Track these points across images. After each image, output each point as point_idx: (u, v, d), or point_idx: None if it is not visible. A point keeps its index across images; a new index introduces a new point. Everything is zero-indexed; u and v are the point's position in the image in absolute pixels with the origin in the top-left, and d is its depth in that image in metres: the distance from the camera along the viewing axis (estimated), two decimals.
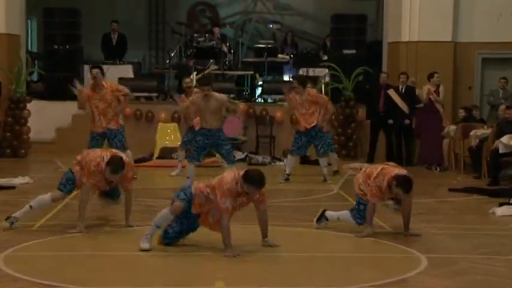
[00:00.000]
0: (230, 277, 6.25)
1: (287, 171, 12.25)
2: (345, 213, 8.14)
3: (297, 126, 12.29)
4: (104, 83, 11.18)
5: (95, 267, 6.56)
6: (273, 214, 9.08)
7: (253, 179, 6.91)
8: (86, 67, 16.52)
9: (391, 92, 14.64)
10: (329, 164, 12.52)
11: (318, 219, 8.30)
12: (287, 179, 12.15)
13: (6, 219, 7.95)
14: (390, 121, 14.71)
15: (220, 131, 10.97)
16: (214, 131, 10.86)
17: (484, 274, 6.39)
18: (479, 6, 16.15)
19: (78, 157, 8.07)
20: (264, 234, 7.29)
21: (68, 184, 8.02)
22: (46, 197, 8.06)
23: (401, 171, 7.81)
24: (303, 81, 12.22)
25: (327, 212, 8.33)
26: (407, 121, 14.59)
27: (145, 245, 7.04)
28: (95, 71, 11.13)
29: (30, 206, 8.04)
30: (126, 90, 11.43)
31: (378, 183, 7.67)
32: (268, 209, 9.57)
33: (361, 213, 7.92)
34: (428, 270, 6.50)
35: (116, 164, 7.68)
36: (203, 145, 10.97)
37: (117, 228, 8.15)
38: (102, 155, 7.89)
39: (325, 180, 12.14)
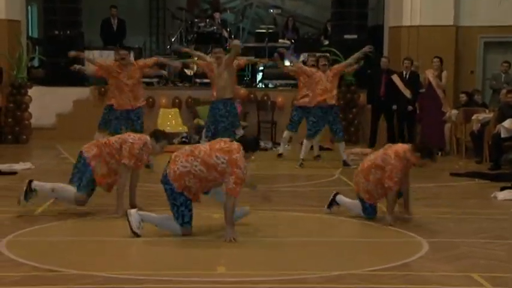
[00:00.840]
0: (231, 262, 6.26)
1: (301, 157, 12.22)
2: (356, 205, 8.06)
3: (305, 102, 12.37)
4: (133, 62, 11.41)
5: (96, 253, 6.58)
6: (273, 199, 9.11)
7: (255, 145, 7.16)
8: (87, 53, 16.48)
9: (395, 78, 14.60)
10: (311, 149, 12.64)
11: (330, 205, 8.24)
12: (301, 165, 12.12)
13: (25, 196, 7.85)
14: (394, 107, 14.67)
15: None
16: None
17: (485, 258, 6.40)
18: None
19: (95, 150, 7.96)
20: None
21: (89, 186, 7.97)
22: (71, 195, 7.93)
23: (405, 145, 7.81)
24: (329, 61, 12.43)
25: (338, 196, 8.25)
26: (410, 107, 14.55)
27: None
28: (124, 52, 11.20)
29: (53, 190, 7.96)
30: (151, 60, 11.74)
31: (394, 168, 7.57)
32: (270, 194, 9.62)
33: (369, 210, 7.90)
34: (430, 254, 6.51)
35: (162, 132, 8.19)
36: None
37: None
38: (140, 137, 8.01)
39: (347, 165, 12.05)
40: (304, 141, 12.31)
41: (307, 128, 12.37)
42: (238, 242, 6.79)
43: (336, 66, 12.56)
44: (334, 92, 12.14)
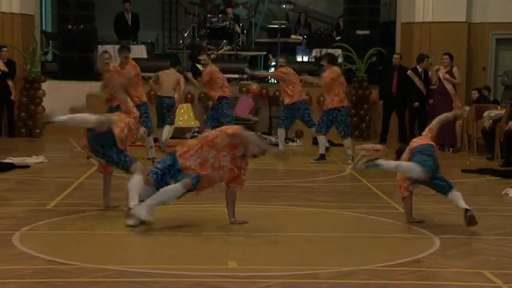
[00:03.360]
0: (243, 257, 6.24)
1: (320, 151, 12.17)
2: (410, 165, 7.31)
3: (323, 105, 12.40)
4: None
5: (108, 246, 6.58)
6: (284, 194, 9.11)
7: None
8: (100, 47, 16.50)
9: (411, 73, 14.54)
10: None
11: (368, 162, 7.50)
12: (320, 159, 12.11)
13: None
14: (416, 104, 14.49)
15: None
16: None
17: (497, 255, 6.36)
18: None
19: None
20: None
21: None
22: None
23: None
24: (332, 60, 12.20)
25: (379, 160, 7.49)
26: (416, 104, 14.45)
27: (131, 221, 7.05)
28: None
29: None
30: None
31: None
32: (281, 189, 9.62)
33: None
34: (442, 250, 6.48)
35: None
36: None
37: None
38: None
39: (352, 160, 12.02)
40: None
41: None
42: (249, 237, 6.78)
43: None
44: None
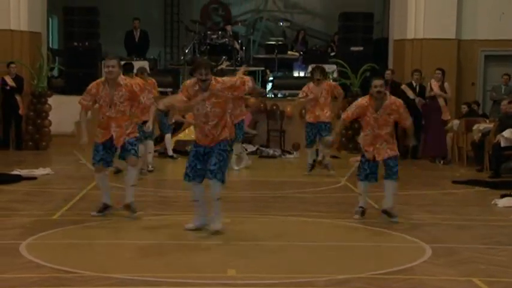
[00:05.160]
0: (241, 266, 6.24)
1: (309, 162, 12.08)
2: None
3: (307, 119, 11.95)
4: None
5: (112, 255, 6.58)
6: (282, 205, 9.13)
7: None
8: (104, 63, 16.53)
9: (405, 87, 14.59)
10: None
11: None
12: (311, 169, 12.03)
13: None
14: (419, 100, 14.47)
15: None
16: None
17: (486, 263, 6.36)
18: (482, 5, 16.06)
19: None
20: None
21: None
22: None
23: None
24: (324, 72, 12.17)
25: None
26: (419, 100, 14.45)
27: (189, 225, 7.35)
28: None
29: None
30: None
31: None
32: (278, 200, 9.63)
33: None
34: (433, 259, 6.48)
35: None
36: None
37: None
38: None
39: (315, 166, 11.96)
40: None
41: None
42: (247, 246, 6.78)
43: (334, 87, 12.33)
44: None
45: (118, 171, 10.53)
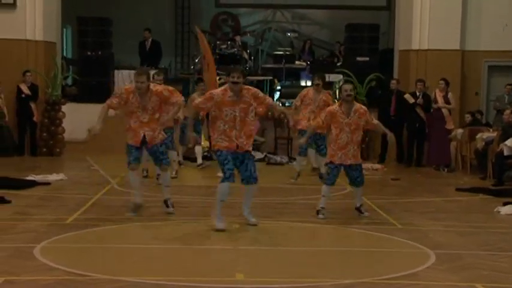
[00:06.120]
0: (249, 270, 6.26)
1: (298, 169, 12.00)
2: None
3: (299, 126, 11.66)
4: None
5: (123, 258, 6.60)
6: (288, 211, 9.15)
7: None
8: (117, 72, 16.62)
9: (407, 97, 14.58)
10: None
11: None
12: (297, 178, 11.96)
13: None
14: (420, 100, 14.37)
15: None
16: None
17: (489, 269, 6.35)
18: (486, 16, 16.03)
19: None
20: None
21: None
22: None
23: None
24: (325, 80, 12.18)
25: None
26: (420, 100, 14.41)
27: (220, 224, 7.50)
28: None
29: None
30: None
31: None
32: (286, 206, 9.64)
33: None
34: (437, 265, 6.48)
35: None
36: None
37: (145, 222, 8.20)
38: None
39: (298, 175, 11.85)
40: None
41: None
42: (255, 250, 6.79)
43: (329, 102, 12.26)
44: None
45: (146, 176, 11.32)
